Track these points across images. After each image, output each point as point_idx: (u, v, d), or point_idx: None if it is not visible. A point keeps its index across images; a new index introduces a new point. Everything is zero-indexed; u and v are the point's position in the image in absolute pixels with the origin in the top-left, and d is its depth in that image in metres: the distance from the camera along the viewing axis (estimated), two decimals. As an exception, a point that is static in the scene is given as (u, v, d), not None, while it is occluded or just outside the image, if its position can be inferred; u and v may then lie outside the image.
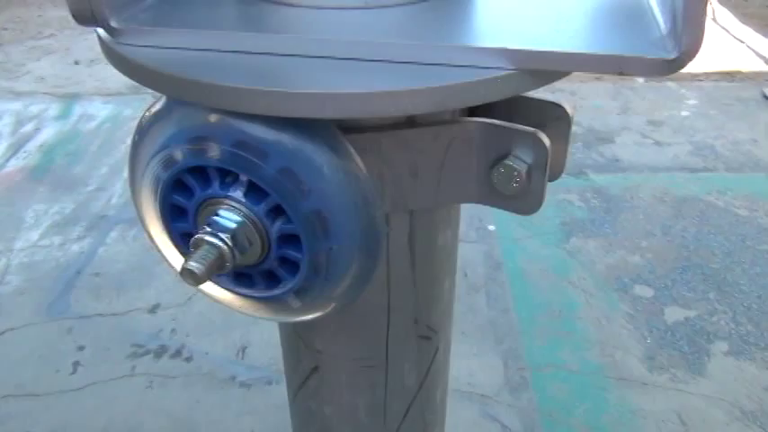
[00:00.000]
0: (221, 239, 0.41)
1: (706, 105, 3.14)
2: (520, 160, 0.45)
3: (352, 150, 0.44)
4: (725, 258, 2.10)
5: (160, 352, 1.77)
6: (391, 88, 0.38)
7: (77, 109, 3.13)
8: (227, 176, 0.43)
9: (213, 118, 0.42)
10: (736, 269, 2.06)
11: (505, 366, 1.72)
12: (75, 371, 1.71)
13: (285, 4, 0.47)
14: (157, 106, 0.46)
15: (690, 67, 0.39)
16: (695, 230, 2.24)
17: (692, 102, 3.18)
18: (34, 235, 2.23)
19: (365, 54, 0.41)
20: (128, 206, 2.38)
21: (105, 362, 1.74)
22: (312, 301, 0.46)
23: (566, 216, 2.32)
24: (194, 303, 1.93)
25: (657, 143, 2.82)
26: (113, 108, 3.14)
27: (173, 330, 1.84)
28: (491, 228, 2.24)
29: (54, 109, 3.13)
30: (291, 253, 0.43)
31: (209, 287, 0.48)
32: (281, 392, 1.65)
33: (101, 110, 3.12)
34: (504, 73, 0.40)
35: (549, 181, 0.47)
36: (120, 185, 2.51)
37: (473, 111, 0.47)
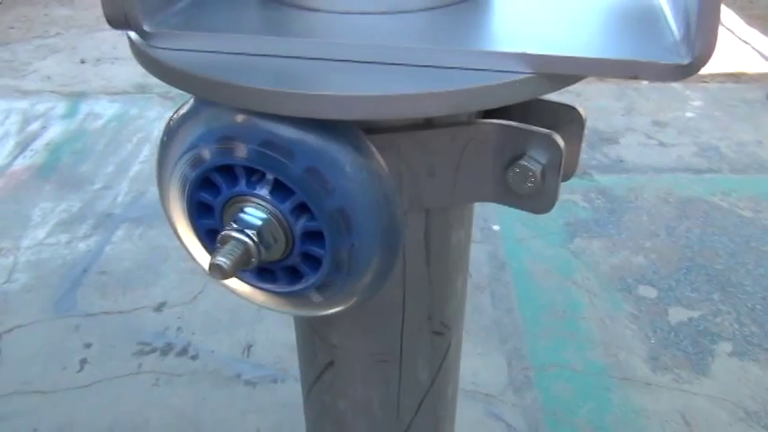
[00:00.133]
0: (248, 236, 0.43)
1: (711, 107, 3.14)
2: (535, 161, 0.46)
3: (375, 150, 0.45)
4: (729, 259, 2.11)
5: (166, 350, 1.78)
6: (415, 91, 0.40)
7: (84, 108, 3.15)
8: (253, 175, 0.44)
9: (241, 118, 0.43)
10: (740, 270, 2.06)
11: (510, 366, 1.73)
12: (81, 368, 1.73)
13: (309, 9, 0.48)
14: (185, 108, 0.47)
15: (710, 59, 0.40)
16: (699, 231, 2.25)
17: (696, 103, 3.18)
18: (41, 233, 2.25)
19: (388, 58, 0.42)
20: (134, 205, 2.40)
21: (112, 359, 1.75)
22: (333, 295, 0.47)
23: (570, 216, 2.32)
24: (200, 302, 1.94)
25: (662, 144, 2.82)
26: (120, 107, 3.15)
27: (179, 328, 1.85)
28: (495, 228, 2.25)
29: (60, 108, 3.14)
30: (314, 249, 0.45)
31: (232, 282, 0.49)
32: (286, 391, 1.66)
33: (107, 109, 3.14)
34: (522, 77, 0.41)
35: (562, 181, 0.48)
36: (127, 184, 2.52)
37: (489, 113, 0.48)
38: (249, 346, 1.79)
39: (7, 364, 1.74)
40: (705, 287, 1.99)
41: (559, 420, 1.58)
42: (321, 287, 0.47)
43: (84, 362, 1.75)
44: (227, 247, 0.42)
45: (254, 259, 0.43)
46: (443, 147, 0.48)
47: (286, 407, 1.61)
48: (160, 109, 3.13)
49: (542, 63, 0.41)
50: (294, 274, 0.47)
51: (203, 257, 0.50)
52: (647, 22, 0.46)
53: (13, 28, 4.18)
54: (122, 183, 2.53)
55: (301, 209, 0.44)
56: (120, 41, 3.95)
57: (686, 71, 0.40)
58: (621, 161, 2.69)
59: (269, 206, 0.44)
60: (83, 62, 3.68)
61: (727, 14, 4.22)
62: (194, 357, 1.76)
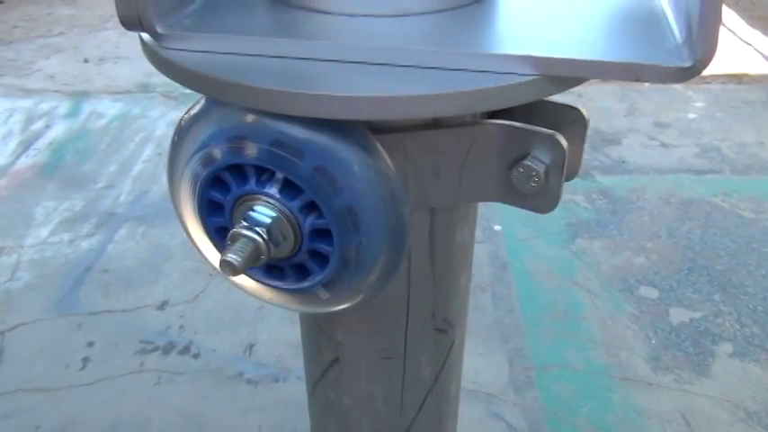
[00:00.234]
0: (258, 233, 0.43)
1: (713, 108, 3.14)
2: (538, 161, 0.47)
3: (382, 150, 0.46)
4: (730, 260, 2.11)
5: (168, 349, 1.79)
6: (422, 92, 0.40)
7: (87, 107, 3.16)
8: (263, 174, 0.45)
9: (251, 118, 0.44)
10: (741, 271, 2.06)
11: (511, 366, 1.73)
12: (84, 366, 1.73)
13: (318, 12, 0.49)
14: (196, 109, 0.48)
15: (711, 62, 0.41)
16: (701, 232, 2.25)
17: (698, 104, 3.18)
18: (44, 232, 2.25)
19: (397, 60, 0.43)
20: (136, 204, 2.40)
21: (114, 358, 1.76)
22: (340, 292, 0.48)
23: (572, 217, 2.33)
24: (202, 301, 1.95)
25: (664, 145, 2.82)
26: (122, 106, 3.16)
27: (181, 327, 1.86)
28: (497, 228, 2.25)
29: (64, 107, 3.15)
30: (322, 247, 0.45)
31: (240, 279, 0.50)
32: (287, 390, 1.67)
33: (110, 108, 3.15)
34: (528, 79, 0.42)
35: (565, 181, 0.49)
36: (129, 183, 2.53)
37: (493, 113, 0.48)
38: (251, 345, 1.80)
39: (10, 362, 1.74)
40: (706, 288, 1.99)
41: (560, 420, 1.58)
42: (328, 284, 0.47)
43: (86, 360, 1.75)
44: (238, 244, 0.43)
45: (263, 256, 0.44)
46: (449, 147, 0.48)
47: (288, 406, 1.62)
48: (163, 108, 3.14)
49: (547, 65, 0.42)
50: (302, 272, 0.48)
51: (213, 255, 0.51)
52: (650, 24, 0.47)
53: (16, 27, 4.19)
54: (125, 182, 2.54)
55: (310, 207, 0.44)
56: (122, 41, 3.96)
57: (688, 74, 0.40)
58: (623, 162, 2.69)
59: (278, 204, 0.44)
60: (86, 61, 3.69)
61: (729, 15, 4.22)
62: (196, 356, 1.76)
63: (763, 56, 3.70)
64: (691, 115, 3.08)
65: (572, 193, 2.42)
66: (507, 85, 0.42)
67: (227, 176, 0.45)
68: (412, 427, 0.64)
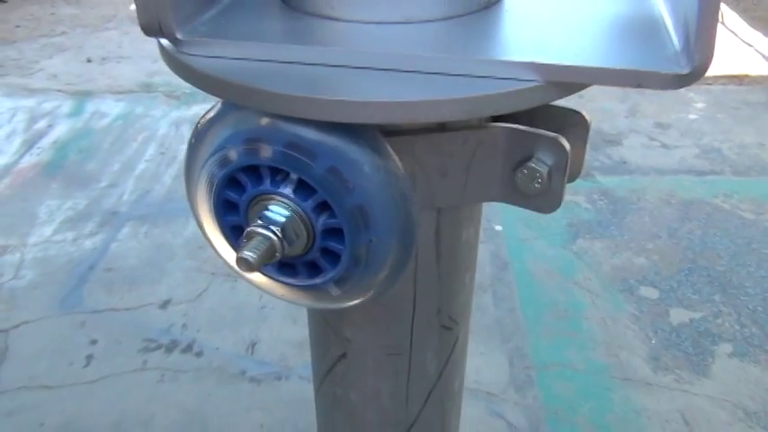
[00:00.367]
0: (272, 232, 0.45)
1: (713, 109, 3.15)
2: (542, 162, 0.49)
3: (392, 152, 0.47)
4: (730, 261, 2.12)
5: (171, 347, 1.80)
6: (431, 97, 0.42)
7: (90, 106, 3.17)
8: (277, 175, 0.46)
9: (267, 121, 0.45)
10: (741, 272, 2.07)
11: (511, 365, 1.74)
12: (88, 364, 1.75)
13: (330, 19, 0.50)
14: (213, 113, 0.50)
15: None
16: (701, 233, 2.26)
17: (699, 105, 3.19)
18: (48, 230, 2.27)
19: (407, 66, 0.45)
20: (139, 203, 2.42)
21: (117, 356, 1.77)
22: (351, 289, 0.50)
23: (573, 217, 2.34)
24: (205, 300, 1.96)
25: (665, 146, 2.83)
26: (125, 106, 3.17)
27: (183, 325, 1.87)
28: (498, 228, 2.26)
29: (67, 106, 3.17)
30: (334, 245, 0.47)
31: (254, 275, 0.52)
32: (290, 388, 1.68)
33: (113, 107, 3.16)
34: (532, 85, 0.43)
35: (568, 182, 0.50)
36: (132, 182, 2.54)
37: (498, 117, 0.50)
38: (253, 344, 1.81)
39: (14, 360, 1.76)
40: (706, 288, 2.00)
41: (560, 419, 1.59)
42: (339, 281, 0.49)
43: (90, 358, 1.76)
44: (254, 242, 0.45)
45: (277, 254, 0.46)
46: (455, 149, 0.50)
47: (289, 403, 1.63)
48: (165, 108, 3.15)
49: (550, 72, 0.43)
50: (314, 269, 0.49)
51: (227, 252, 0.52)
52: (650, 33, 0.48)
53: (19, 26, 4.20)
54: (128, 181, 2.55)
55: (323, 207, 0.46)
56: (125, 41, 3.98)
57: (685, 80, 0.42)
58: (624, 163, 2.70)
59: (292, 204, 0.46)
60: (89, 61, 3.70)
61: (730, 17, 4.23)
62: (199, 354, 1.78)
63: (764, 57, 3.71)
64: (691, 116, 3.09)
65: (573, 193, 2.43)
66: (512, 90, 0.43)
67: (243, 177, 0.47)
68: (417, 422, 0.65)
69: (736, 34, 3.99)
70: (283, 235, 0.45)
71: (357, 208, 0.45)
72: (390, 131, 0.48)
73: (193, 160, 0.50)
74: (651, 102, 3.20)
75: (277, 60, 0.46)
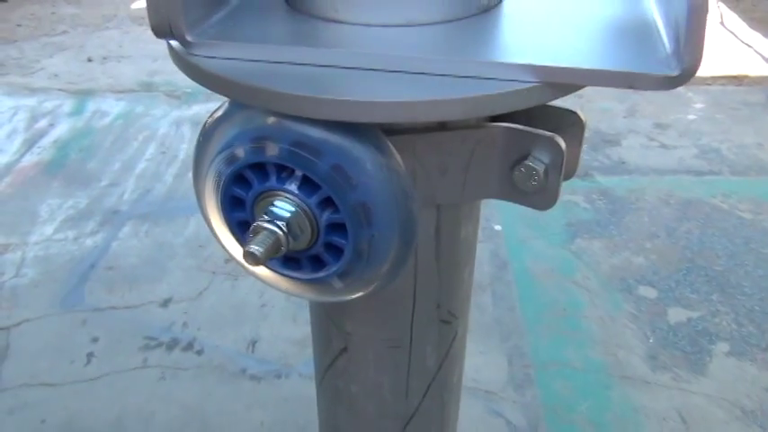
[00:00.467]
0: (278, 227, 0.46)
1: (712, 109, 3.16)
2: (538, 161, 0.50)
3: (394, 150, 0.49)
4: (728, 261, 2.13)
5: (172, 345, 1.81)
6: (432, 98, 0.43)
7: (91, 105, 3.18)
8: (283, 172, 0.48)
9: (273, 121, 0.47)
10: (739, 271, 2.08)
11: (510, 364, 1.75)
12: (89, 362, 1.75)
13: (335, 21, 0.52)
14: (220, 112, 0.51)
15: (697, 72, 0.44)
16: (699, 233, 2.27)
17: (698, 105, 3.20)
18: (49, 229, 2.28)
19: (409, 67, 0.46)
20: (140, 202, 2.43)
21: (118, 354, 1.78)
22: (353, 282, 0.51)
23: (571, 217, 2.35)
24: (205, 298, 1.97)
25: (663, 146, 2.84)
26: (126, 105, 3.18)
27: (184, 324, 1.88)
28: (497, 228, 2.27)
29: (68, 105, 3.18)
30: (337, 240, 0.48)
31: (260, 270, 0.53)
32: (290, 386, 1.69)
33: (114, 107, 3.17)
34: (529, 86, 0.45)
35: (564, 180, 0.52)
36: (133, 181, 2.55)
37: (496, 116, 0.51)
38: (254, 342, 1.82)
39: (15, 358, 1.76)
40: (704, 288, 2.01)
41: (559, 417, 1.60)
42: (342, 275, 0.51)
43: (91, 356, 1.77)
44: (260, 236, 0.46)
45: (283, 248, 0.47)
46: (455, 148, 0.51)
47: (290, 401, 1.64)
48: (166, 107, 3.16)
49: (547, 73, 0.45)
50: (318, 263, 0.51)
51: (234, 247, 0.54)
52: (642, 36, 0.50)
53: (20, 26, 4.21)
54: (129, 180, 2.56)
55: (326, 203, 0.47)
56: (126, 40, 3.99)
57: (675, 82, 0.44)
58: (623, 163, 2.71)
59: (297, 200, 0.47)
60: (90, 60, 3.71)
61: (730, 17, 4.24)
62: (200, 352, 1.79)
63: (764, 58, 3.72)
64: (690, 116, 3.10)
65: (572, 193, 2.44)
66: (510, 91, 0.44)
67: (250, 174, 0.48)
68: (416, 414, 0.67)
69: (735, 35, 4.00)
70: (288, 230, 0.47)
71: (360, 204, 0.47)
72: (392, 130, 0.49)
73: (201, 158, 0.52)
74: (650, 102, 3.21)
75: (283, 62, 0.48)
